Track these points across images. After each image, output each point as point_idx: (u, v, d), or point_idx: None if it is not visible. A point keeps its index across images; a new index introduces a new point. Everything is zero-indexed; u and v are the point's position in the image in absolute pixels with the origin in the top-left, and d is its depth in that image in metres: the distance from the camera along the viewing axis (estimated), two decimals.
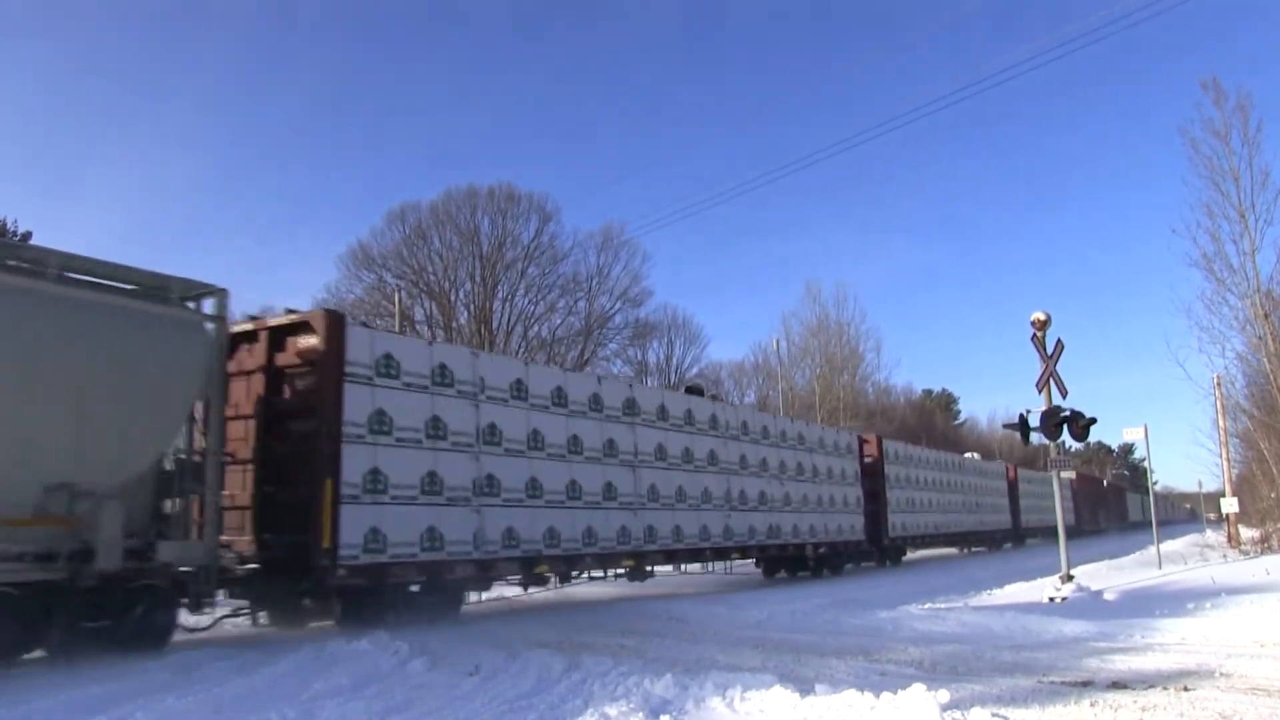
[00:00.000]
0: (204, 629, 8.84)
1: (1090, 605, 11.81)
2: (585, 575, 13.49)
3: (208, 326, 8.66)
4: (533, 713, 5.44)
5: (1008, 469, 37.04)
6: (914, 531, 25.06)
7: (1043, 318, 13.82)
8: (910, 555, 27.28)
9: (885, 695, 5.19)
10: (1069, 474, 40.41)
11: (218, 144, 72.28)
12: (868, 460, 22.87)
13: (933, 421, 64.07)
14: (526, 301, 43.05)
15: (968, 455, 34.28)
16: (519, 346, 40.80)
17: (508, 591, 13.04)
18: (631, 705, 5.37)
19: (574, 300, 43.61)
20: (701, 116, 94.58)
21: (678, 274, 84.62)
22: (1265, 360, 21.48)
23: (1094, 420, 13.80)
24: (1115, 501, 61.42)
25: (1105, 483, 62.35)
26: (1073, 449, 61.22)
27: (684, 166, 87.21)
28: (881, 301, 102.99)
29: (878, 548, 22.84)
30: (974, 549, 32.30)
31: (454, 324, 41.34)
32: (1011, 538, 35.17)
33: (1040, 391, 13.78)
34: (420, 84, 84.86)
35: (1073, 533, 40.17)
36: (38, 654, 7.36)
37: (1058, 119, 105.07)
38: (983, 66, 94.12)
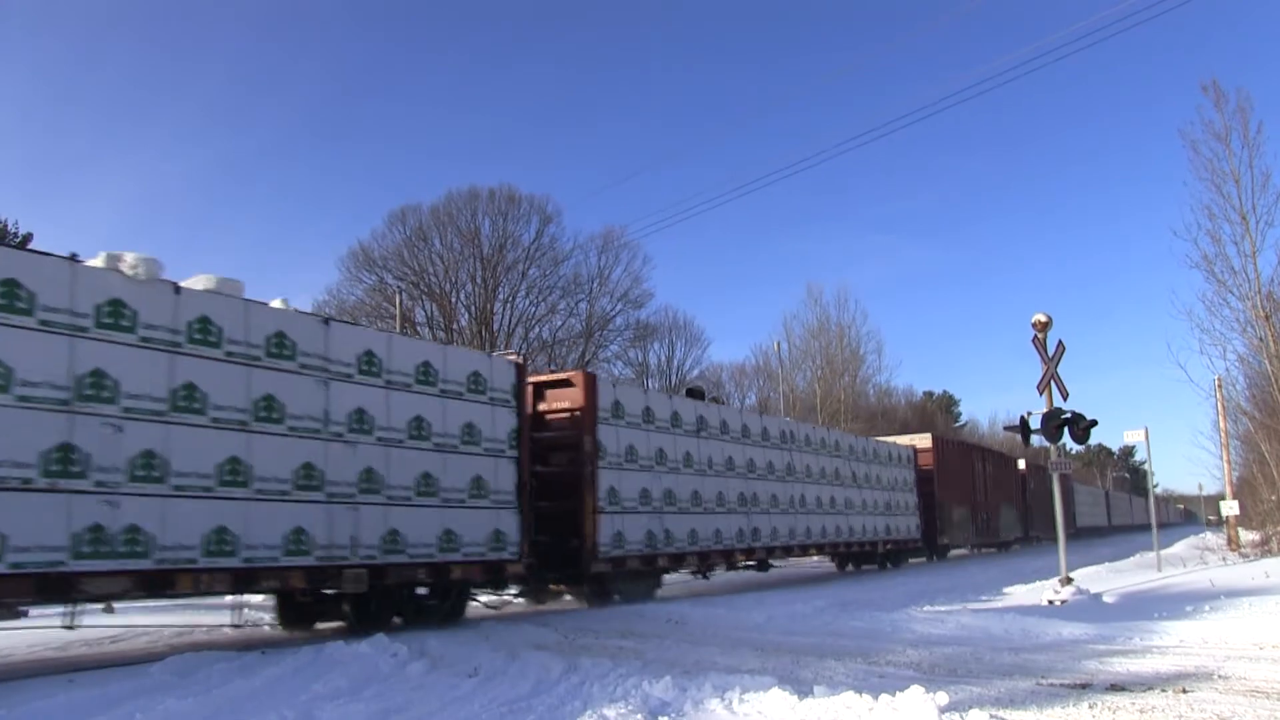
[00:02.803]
0: None
1: (1089, 608, 11.81)
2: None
3: None
4: (532, 714, 5.44)
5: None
6: None
7: (1044, 319, 13.80)
8: None
9: (884, 697, 5.19)
10: (919, 438, 26.39)
11: (218, 144, 72.46)
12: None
13: (934, 423, 63.90)
14: (527, 303, 43.13)
15: None
16: (519, 348, 40.79)
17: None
18: (630, 707, 5.38)
19: (575, 302, 43.69)
20: (702, 118, 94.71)
21: (678, 276, 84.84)
22: (1266, 362, 21.45)
23: (1095, 422, 13.78)
24: (1040, 500, 36.32)
25: (1023, 466, 36.74)
26: (1074, 451, 60.28)
27: (685, 168, 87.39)
28: (882, 303, 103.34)
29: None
30: None
31: (455, 325, 41.36)
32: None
33: (1041, 393, 13.77)
34: (421, 85, 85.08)
35: (914, 555, 25.02)
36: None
37: (1058, 119, 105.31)
38: (983, 66, 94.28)
